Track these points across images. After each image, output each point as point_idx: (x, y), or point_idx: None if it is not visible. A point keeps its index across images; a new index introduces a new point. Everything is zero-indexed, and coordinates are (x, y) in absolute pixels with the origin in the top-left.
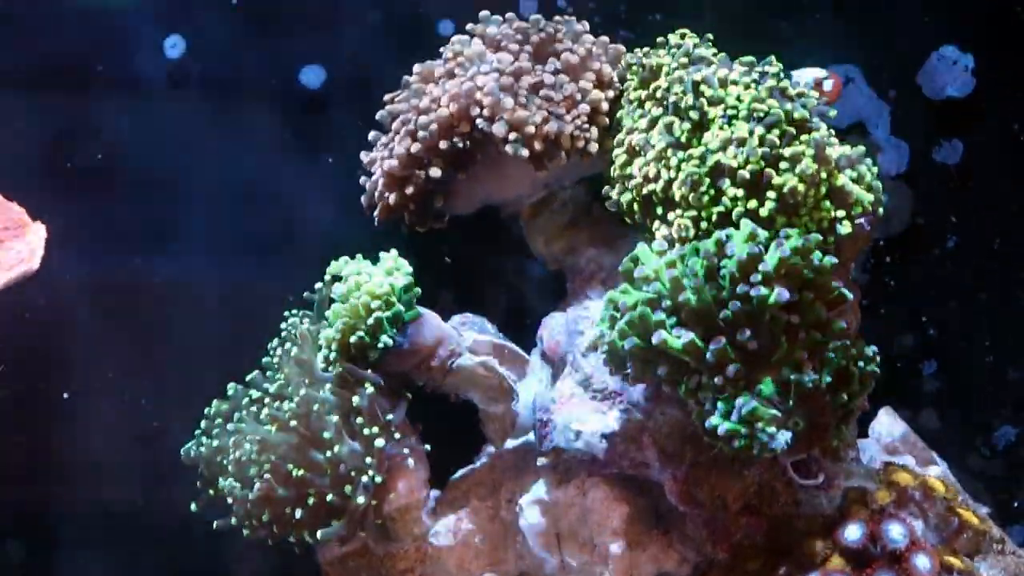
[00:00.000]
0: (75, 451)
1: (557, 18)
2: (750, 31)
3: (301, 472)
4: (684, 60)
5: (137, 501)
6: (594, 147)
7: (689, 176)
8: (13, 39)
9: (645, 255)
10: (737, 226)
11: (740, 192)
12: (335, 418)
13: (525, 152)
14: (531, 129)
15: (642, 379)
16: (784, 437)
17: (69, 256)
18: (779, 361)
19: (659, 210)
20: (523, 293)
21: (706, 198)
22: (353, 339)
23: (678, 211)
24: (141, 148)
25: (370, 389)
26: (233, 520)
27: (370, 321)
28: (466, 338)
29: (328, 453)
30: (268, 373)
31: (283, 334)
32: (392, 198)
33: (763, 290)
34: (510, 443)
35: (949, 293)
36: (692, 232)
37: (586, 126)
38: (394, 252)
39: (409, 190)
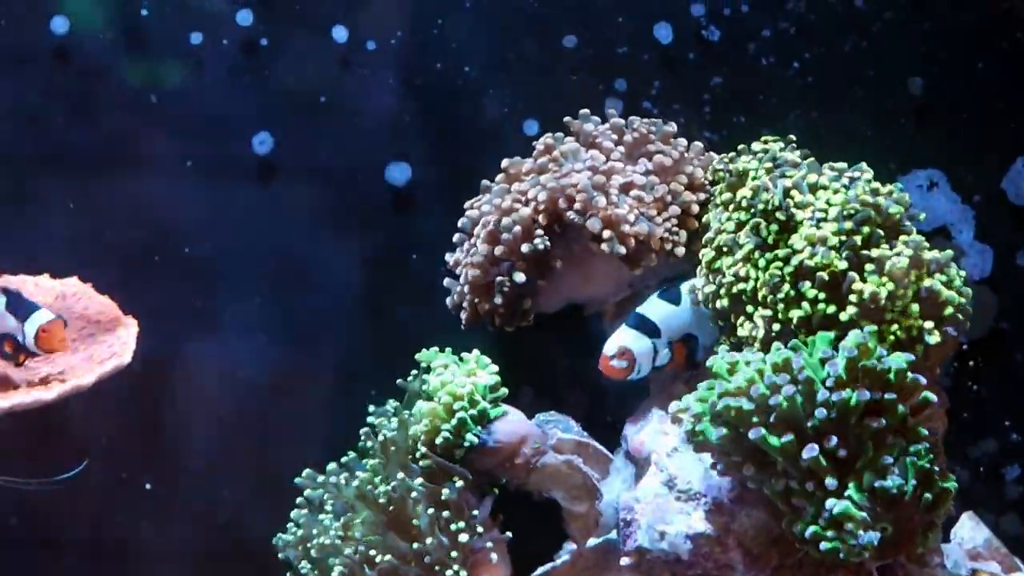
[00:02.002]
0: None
1: (648, 120)
2: (835, 135)
3: (388, 557)
4: (770, 165)
5: None
6: (681, 251)
7: (772, 277)
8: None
9: (732, 363)
10: (816, 330)
11: (820, 294)
12: (428, 508)
13: (623, 250)
14: (625, 228)
15: (728, 473)
16: (872, 536)
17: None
18: (864, 466)
19: (748, 309)
20: (605, 391)
21: (782, 303)
22: (439, 439)
23: (761, 311)
24: (229, 240)
25: (460, 483)
26: None
27: (453, 421)
28: (550, 436)
29: (416, 545)
30: (363, 460)
31: (375, 422)
32: (480, 305)
33: (844, 393)
34: (592, 541)
35: None
36: (774, 333)
37: (676, 228)
38: (476, 352)
39: (498, 299)
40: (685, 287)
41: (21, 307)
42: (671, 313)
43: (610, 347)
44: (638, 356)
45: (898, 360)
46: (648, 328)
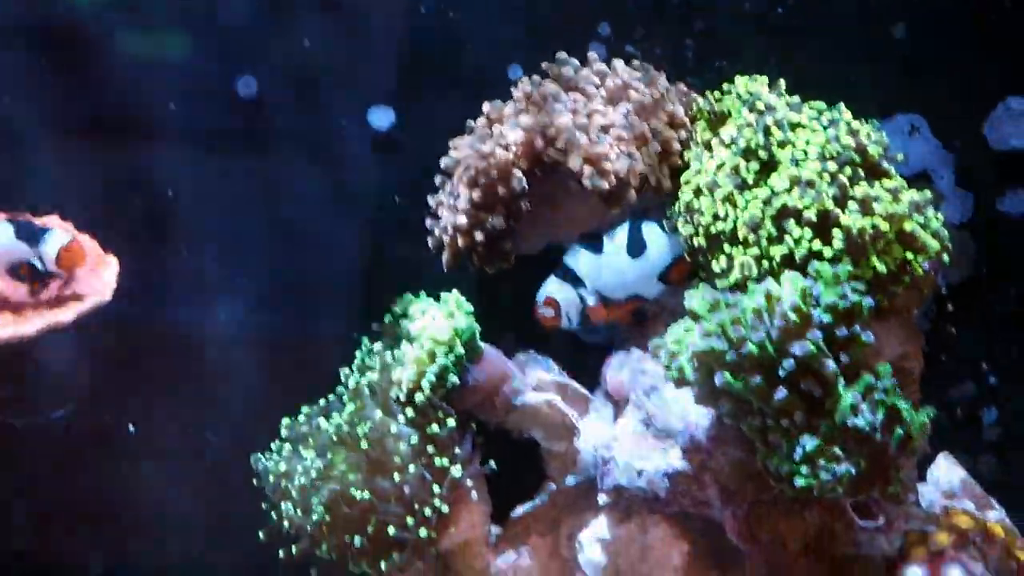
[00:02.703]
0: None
1: (635, 63)
2: (816, 81)
3: (366, 495)
4: (754, 105)
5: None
6: (666, 184)
7: (752, 217)
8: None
9: (703, 306)
10: (801, 267)
11: (806, 233)
12: (407, 446)
13: (604, 185)
14: (606, 165)
15: (706, 404)
16: (844, 468)
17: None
18: (835, 404)
19: (726, 248)
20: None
21: (764, 240)
22: (423, 382)
23: (741, 250)
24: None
25: (452, 422)
26: (295, 549)
27: (434, 367)
28: (529, 376)
29: (396, 477)
30: (343, 399)
31: (356, 364)
32: (460, 243)
33: (815, 334)
34: (571, 480)
35: (1010, 341)
36: (755, 271)
37: (657, 164)
38: (455, 292)
39: (478, 236)
40: (609, 236)
41: (32, 233)
42: (595, 263)
43: (539, 296)
44: (563, 306)
45: (867, 300)
46: (572, 278)
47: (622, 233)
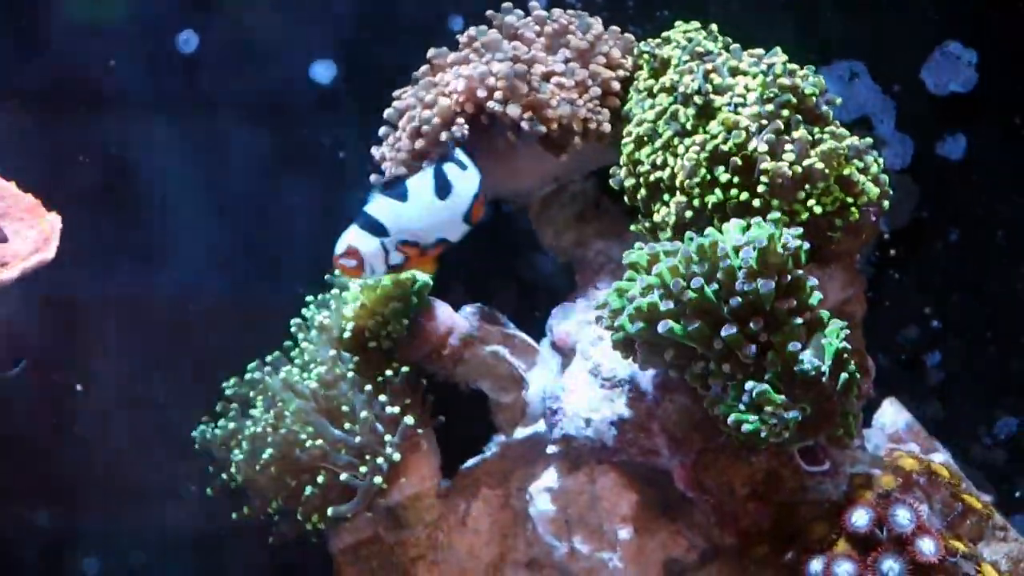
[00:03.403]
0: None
1: (571, 11)
2: (755, 27)
3: (318, 442)
4: (694, 51)
5: (152, 491)
6: (607, 127)
7: (689, 162)
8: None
9: (642, 258)
10: (732, 214)
11: (738, 179)
12: (358, 393)
13: (542, 128)
14: (548, 112)
15: (650, 363)
16: (792, 415)
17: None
18: (780, 349)
19: (665, 197)
20: (533, 285)
21: (698, 187)
22: (369, 327)
23: (681, 198)
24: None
25: (405, 369)
26: (246, 510)
27: (386, 312)
28: (476, 328)
29: (347, 426)
30: (291, 355)
31: (306, 318)
32: None
33: (758, 283)
34: (520, 432)
35: (952, 285)
36: (690, 217)
37: (598, 108)
38: None
39: None
40: (412, 181)
41: None
42: (399, 210)
43: (339, 247)
44: (366, 256)
45: (804, 244)
46: (375, 227)
47: (427, 176)
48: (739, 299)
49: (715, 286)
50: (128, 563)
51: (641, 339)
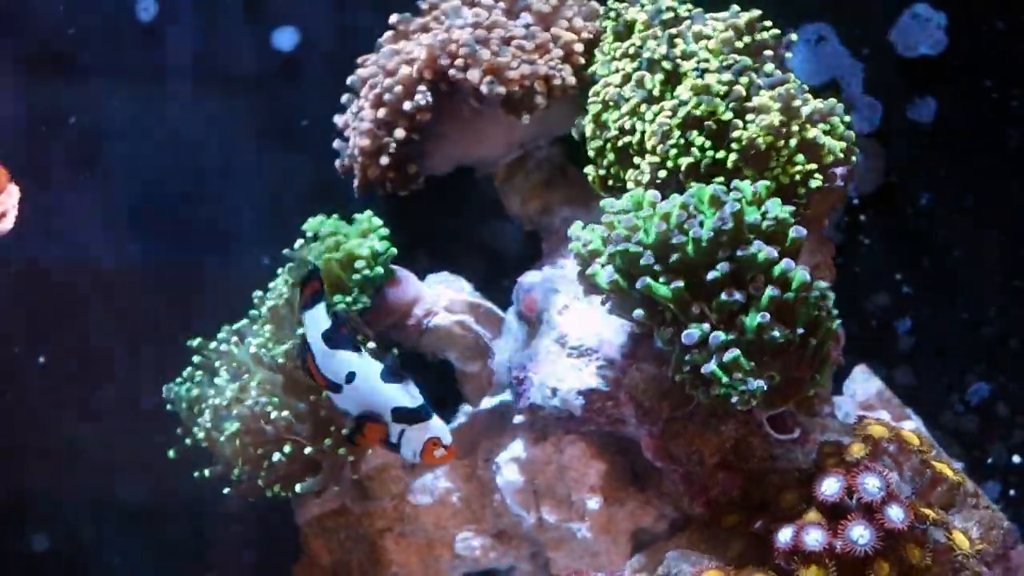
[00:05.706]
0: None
1: None
2: None
3: (285, 414)
4: (658, 15)
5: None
6: (571, 80)
7: (660, 127)
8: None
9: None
10: (706, 178)
11: (707, 142)
12: None
13: (501, 89)
14: (508, 74)
15: (619, 314)
16: (759, 383)
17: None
18: (750, 316)
19: (636, 161)
20: (499, 253)
21: (674, 149)
22: (337, 303)
23: (650, 159)
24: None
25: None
26: (208, 472)
27: (351, 282)
28: (442, 297)
29: (312, 398)
30: (255, 326)
31: (270, 288)
32: (369, 171)
33: (754, 249)
34: (487, 402)
35: (923, 250)
36: (664, 178)
37: (561, 66)
38: (368, 213)
39: (384, 161)
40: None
41: None
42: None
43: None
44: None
45: (781, 209)
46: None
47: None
48: (726, 265)
49: (710, 234)
50: (85, 535)
51: (613, 289)
